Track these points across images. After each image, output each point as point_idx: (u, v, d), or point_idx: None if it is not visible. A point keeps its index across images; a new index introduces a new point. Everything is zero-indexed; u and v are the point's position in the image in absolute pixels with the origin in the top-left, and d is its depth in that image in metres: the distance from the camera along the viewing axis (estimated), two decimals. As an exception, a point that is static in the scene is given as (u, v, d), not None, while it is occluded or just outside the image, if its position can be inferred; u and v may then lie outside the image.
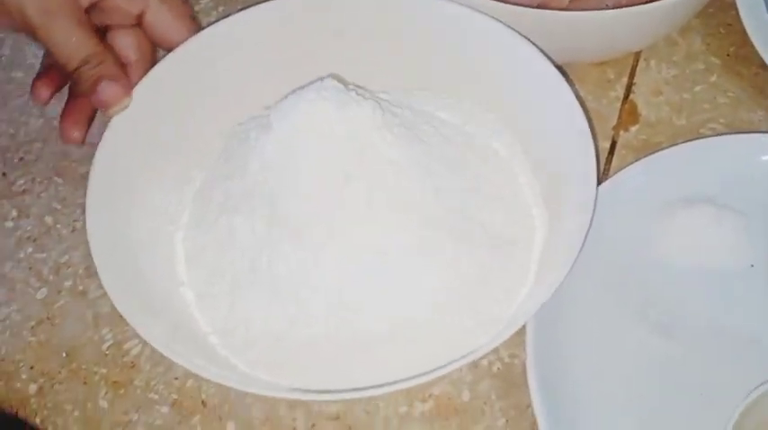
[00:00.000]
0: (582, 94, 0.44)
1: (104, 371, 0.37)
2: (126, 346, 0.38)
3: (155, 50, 0.42)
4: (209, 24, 0.41)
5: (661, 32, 0.44)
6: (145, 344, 0.31)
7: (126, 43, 0.40)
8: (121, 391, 0.37)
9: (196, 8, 0.49)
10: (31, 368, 0.38)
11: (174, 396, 0.37)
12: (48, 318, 0.39)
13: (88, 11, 0.39)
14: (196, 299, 0.36)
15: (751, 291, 0.37)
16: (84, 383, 0.37)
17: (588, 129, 0.34)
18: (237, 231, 0.36)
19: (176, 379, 0.37)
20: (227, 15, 0.40)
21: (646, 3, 0.38)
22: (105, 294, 0.33)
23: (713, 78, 0.45)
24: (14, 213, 0.42)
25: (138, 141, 0.37)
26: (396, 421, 0.36)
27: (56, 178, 0.43)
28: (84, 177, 0.36)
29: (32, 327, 0.39)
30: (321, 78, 0.37)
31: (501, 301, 0.35)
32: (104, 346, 0.38)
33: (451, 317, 0.34)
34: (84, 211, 0.35)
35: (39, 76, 0.41)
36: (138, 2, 0.40)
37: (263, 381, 0.33)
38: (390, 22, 0.40)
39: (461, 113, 0.41)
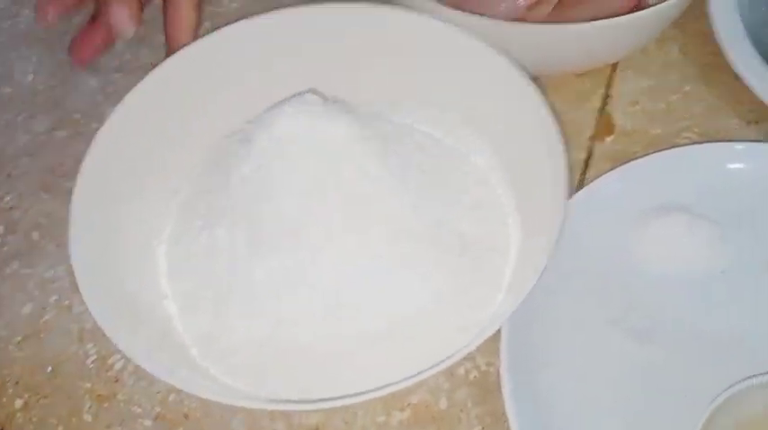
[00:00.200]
0: (559, 104, 0.43)
1: (89, 385, 0.38)
2: (110, 361, 0.38)
3: None
4: (195, 39, 0.41)
5: (639, 43, 0.44)
6: (128, 358, 0.32)
7: None
8: (105, 405, 0.37)
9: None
10: (17, 383, 0.38)
11: (158, 409, 0.37)
12: (33, 333, 0.39)
13: None
14: (179, 312, 0.37)
15: (725, 295, 0.38)
16: (69, 398, 0.38)
17: (560, 141, 0.35)
18: (219, 244, 0.36)
19: (158, 392, 0.37)
20: (214, 30, 0.40)
21: (623, 15, 0.39)
22: (89, 309, 0.33)
23: (688, 87, 0.45)
24: (1, 229, 0.43)
25: (122, 155, 0.38)
26: (374, 431, 0.36)
27: (42, 194, 0.44)
28: (71, 193, 0.36)
29: (18, 342, 0.39)
30: (301, 93, 0.37)
31: (476, 309, 0.35)
32: (89, 361, 0.38)
33: (428, 326, 0.35)
34: (69, 227, 0.35)
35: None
36: None
37: (243, 392, 0.34)
38: (373, 36, 0.40)
39: (443, 126, 0.41)
